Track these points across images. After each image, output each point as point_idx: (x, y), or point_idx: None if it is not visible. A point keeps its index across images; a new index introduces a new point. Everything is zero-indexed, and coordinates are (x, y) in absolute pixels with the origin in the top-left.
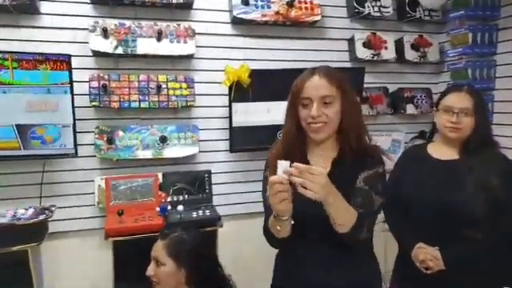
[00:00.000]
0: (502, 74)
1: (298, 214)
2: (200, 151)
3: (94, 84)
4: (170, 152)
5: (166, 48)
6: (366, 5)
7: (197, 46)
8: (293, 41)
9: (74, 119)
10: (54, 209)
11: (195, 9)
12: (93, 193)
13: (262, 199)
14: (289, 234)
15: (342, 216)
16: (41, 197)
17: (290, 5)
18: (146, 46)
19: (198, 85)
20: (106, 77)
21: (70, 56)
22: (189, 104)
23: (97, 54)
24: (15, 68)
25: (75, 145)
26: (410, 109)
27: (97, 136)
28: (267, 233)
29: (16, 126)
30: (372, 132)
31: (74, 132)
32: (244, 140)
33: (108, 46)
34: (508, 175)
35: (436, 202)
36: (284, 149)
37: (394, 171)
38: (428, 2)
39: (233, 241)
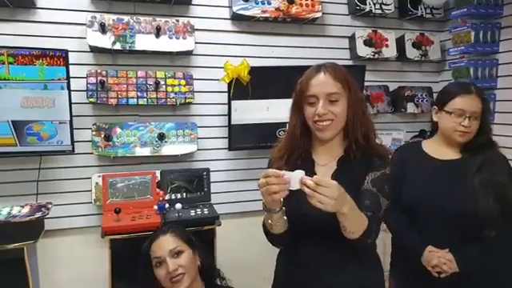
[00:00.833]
0: (504, 73)
1: (302, 215)
2: (198, 149)
3: (92, 80)
4: (168, 149)
5: (164, 44)
6: (367, 2)
7: (196, 43)
8: (293, 38)
9: (71, 116)
10: (50, 206)
11: (194, 4)
12: (90, 190)
13: (261, 198)
14: (284, 229)
15: (355, 225)
16: (37, 194)
17: (291, 1)
18: (144, 41)
19: (196, 82)
20: (104, 73)
21: (67, 51)
22: (187, 101)
23: (94, 49)
24: (11, 63)
25: (72, 142)
26: (411, 107)
27: (94, 133)
28: (264, 228)
29: (12, 122)
30: None
31: (71, 129)
32: (243, 138)
33: (106, 41)
34: None
35: (444, 203)
36: (288, 147)
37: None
38: (430, 0)
39: (231, 239)
